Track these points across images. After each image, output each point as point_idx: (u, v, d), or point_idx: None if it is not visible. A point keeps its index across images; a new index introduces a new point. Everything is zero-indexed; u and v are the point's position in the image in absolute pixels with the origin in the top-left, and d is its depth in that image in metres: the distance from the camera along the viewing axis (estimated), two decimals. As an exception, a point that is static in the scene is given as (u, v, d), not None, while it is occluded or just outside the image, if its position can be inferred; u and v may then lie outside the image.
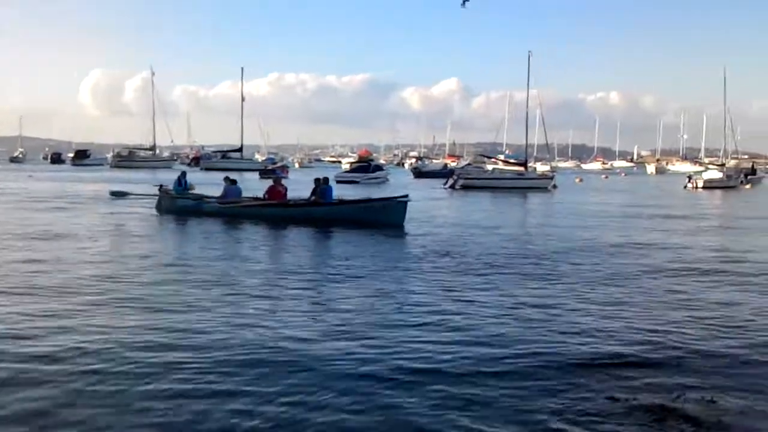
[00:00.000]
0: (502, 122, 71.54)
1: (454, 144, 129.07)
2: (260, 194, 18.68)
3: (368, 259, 11.38)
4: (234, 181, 19.25)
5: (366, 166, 51.78)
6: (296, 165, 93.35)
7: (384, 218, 16.30)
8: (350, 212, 17.22)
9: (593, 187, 48.02)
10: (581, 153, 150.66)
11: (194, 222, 17.06)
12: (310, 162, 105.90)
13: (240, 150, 76.93)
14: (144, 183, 41.27)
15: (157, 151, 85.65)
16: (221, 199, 18.57)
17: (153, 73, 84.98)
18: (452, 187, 40.39)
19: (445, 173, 54.01)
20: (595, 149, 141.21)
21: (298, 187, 24.02)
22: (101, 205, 22.30)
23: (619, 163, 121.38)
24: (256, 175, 51.98)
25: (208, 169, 69.29)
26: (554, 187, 41.97)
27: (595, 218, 21.10)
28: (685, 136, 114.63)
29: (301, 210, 17.66)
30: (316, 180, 18.28)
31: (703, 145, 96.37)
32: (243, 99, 78.01)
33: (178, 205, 18.92)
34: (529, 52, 46.91)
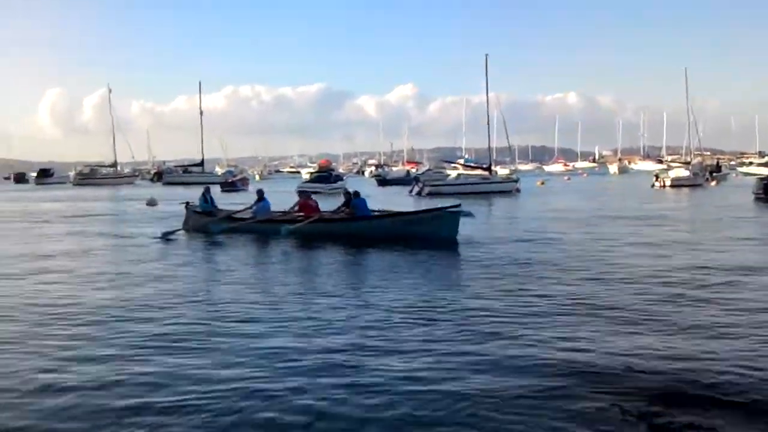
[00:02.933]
0: (460, 127, 70.87)
1: (412, 150, 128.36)
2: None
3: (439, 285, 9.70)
4: (262, 197, 17.92)
5: (327, 176, 51.13)
6: (257, 177, 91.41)
7: (434, 232, 14.64)
8: (397, 226, 15.63)
9: (556, 189, 47.29)
10: (542, 155, 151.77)
11: (226, 240, 15.92)
12: (270, 173, 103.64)
13: (201, 164, 76.46)
14: (106, 201, 41.06)
15: (119, 168, 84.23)
16: (254, 215, 17.38)
17: (110, 90, 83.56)
18: (419, 194, 39.61)
19: (408, 180, 53.03)
20: (556, 150, 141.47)
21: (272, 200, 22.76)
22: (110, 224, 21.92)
23: (581, 164, 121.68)
24: (217, 188, 50.69)
25: (170, 183, 69.26)
26: (518, 190, 41.43)
27: (573, 222, 19.83)
28: (645, 135, 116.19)
29: (343, 225, 16.02)
30: (347, 193, 17.20)
31: (664, 143, 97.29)
32: (201, 113, 77.24)
33: (208, 223, 17.55)
34: (486, 55, 47.19)
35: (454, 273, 11.14)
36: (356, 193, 16.84)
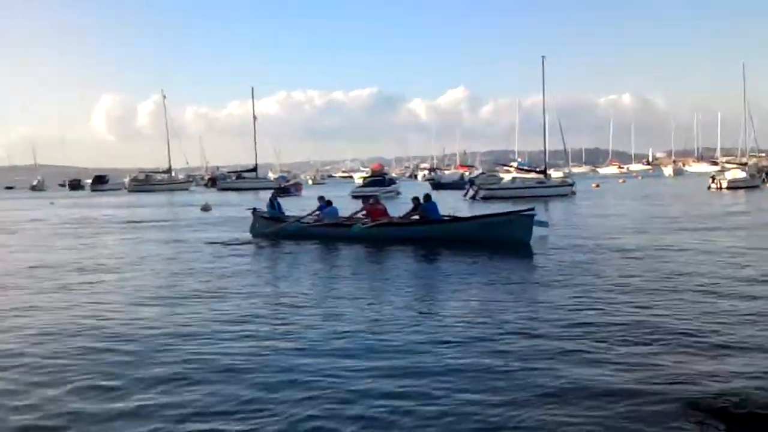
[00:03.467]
0: (513, 129, 71.14)
1: (464, 153, 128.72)
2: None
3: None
4: (329, 202, 18.14)
5: (381, 179, 51.61)
6: (309, 182, 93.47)
7: (507, 235, 14.59)
8: (469, 229, 15.54)
9: (612, 192, 47.29)
10: (596, 157, 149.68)
11: (296, 246, 15.77)
12: (323, 178, 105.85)
13: (254, 170, 77.31)
14: (162, 206, 42.52)
15: (173, 174, 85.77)
16: (323, 220, 17.48)
17: (164, 97, 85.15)
18: (473, 197, 39.94)
19: (461, 184, 53.66)
20: (610, 153, 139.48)
21: (310, 203, 23.47)
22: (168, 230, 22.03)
23: (635, 166, 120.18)
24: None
25: (224, 189, 70.22)
26: (573, 193, 41.50)
27: (633, 227, 20.31)
28: (699, 136, 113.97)
29: (415, 229, 15.93)
30: (415, 199, 16.77)
31: (719, 144, 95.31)
32: (255, 118, 78.29)
33: (275, 229, 17.68)
34: (543, 57, 46.49)
35: (521, 284, 10.29)
36: (427, 197, 16.69)
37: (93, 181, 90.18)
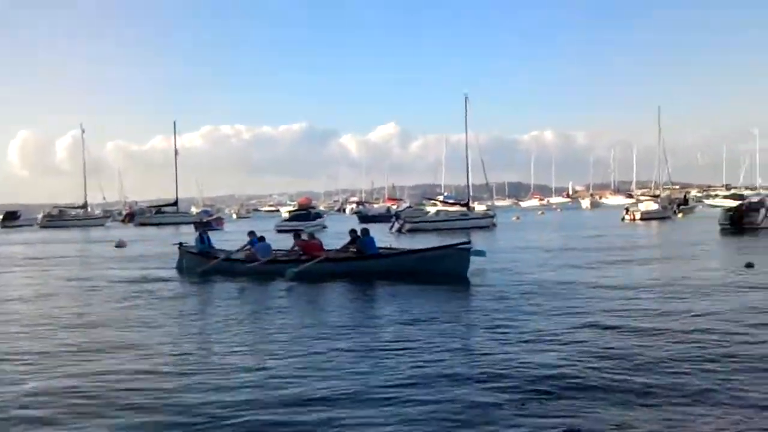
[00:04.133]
0: (440, 164, 72.58)
1: (393, 187, 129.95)
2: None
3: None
4: (262, 237, 17.41)
5: (306, 213, 51.35)
6: (234, 216, 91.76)
7: (445, 268, 14.52)
8: (407, 263, 15.36)
9: (531, 224, 48.72)
10: (519, 191, 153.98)
11: (225, 282, 15.25)
12: (248, 212, 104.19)
13: (175, 204, 75.47)
14: (74, 242, 40.93)
15: (90, 209, 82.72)
16: (255, 256, 16.66)
17: (83, 131, 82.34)
18: (399, 230, 40.26)
19: (388, 217, 53.93)
20: (532, 186, 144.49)
21: (233, 238, 22.71)
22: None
23: (555, 199, 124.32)
24: (191, 228, 50.93)
25: (142, 225, 68.33)
26: (494, 225, 42.73)
27: (550, 253, 20.94)
28: (616, 170, 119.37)
29: (352, 264, 15.59)
30: (353, 231, 16.67)
31: (634, 177, 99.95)
32: (176, 153, 76.43)
33: (206, 268, 16.84)
34: (465, 95, 48.41)
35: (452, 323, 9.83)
36: (365, 231, 16.42)
37: (4, 216, 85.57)
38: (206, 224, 53.31)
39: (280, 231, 44.20)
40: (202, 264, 17.18)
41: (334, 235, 36.51)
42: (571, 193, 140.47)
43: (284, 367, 7.13)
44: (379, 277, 14.39)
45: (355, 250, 16.13)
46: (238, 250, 17.76)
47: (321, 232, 44.27)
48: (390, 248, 16.92)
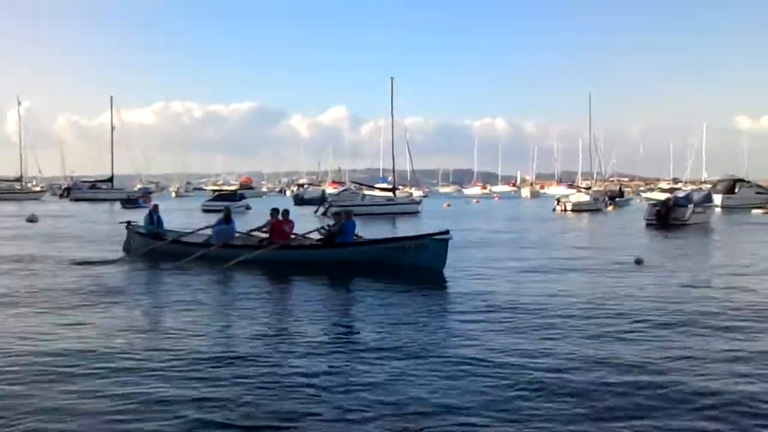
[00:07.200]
0: (381, 149, 71.85)
1: (339, 170, 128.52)
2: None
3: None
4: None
5: (232, 194, 50.21)
6: (173, 194, 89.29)
7: (418, 261, 13.02)
8: (375, 254, 13.70)
9: (461, 212, 48.24)
10: (467, 178, 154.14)
11: (173, 267, 13.78)
12: (187, 191, 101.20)
13: (110, 180, 75.37)
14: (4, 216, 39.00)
15: (31, 183, 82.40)
16: (213, 238, 15.40)
17: (19, 103, 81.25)
18: (324, 214, 39.44)
19: (324, 200, 52.94)
20: (475, 174, 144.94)
21: (169, 218, 21.69)
22: None
23: (499, 188, 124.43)
24: (118, 205, 51.11)
25: (77, 200, 67.93)
26: (418, 212, 42.59)
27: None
28: (560, 161, 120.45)
29: (315, 253, 14.29)
30: (337, 215, 15.19)
31: (579, 168, 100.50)
32: (113, 128, 76.33)
33: (153, 247, 15.65)
34: (392, 78, 47.08)
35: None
36: (348, 214, 14.83)
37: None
38: (132, 201, 52.07)
39: (206, 210, 43.40)
40: (150, 245, 15.90)
41: (256, 215, 35.92)
42: (518, 182, 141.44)
43: None
44: (338, 270, 13.01)
45: (334, 228, 14.54)
46: (193, 232, 16.71)
47: (244, 213, 43.43)
48: (361, 237, 14.99)
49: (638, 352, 7.04)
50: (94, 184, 75.87)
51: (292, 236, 15.08)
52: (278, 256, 14.03)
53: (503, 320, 8.68)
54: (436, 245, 13.17)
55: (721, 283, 12.25)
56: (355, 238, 14.60)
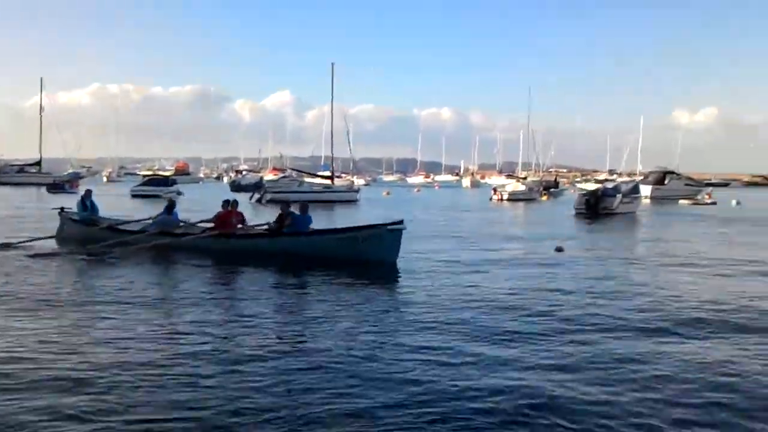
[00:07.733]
0: (322, 136, 71.10)
1: (281, 157, 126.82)
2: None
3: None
4: (171, 206, 15.37)
5: (163, 179, 49.01)
6: (104, 179, 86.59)
7: (369, 253, 12.35)
8: (323, 245, 13.06)
9: (401, 200, 48.64)
10: (412, 167, 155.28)
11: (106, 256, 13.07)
12: (119, 176, 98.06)
13: (39, 164, 72.80)
14: None
15: None
16: (152, 227, 14.91)
17: None
18: (259, 201, 39.09)
19: (260, 187, 52.15)
20: (418, 163, 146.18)
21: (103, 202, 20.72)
22: None
23: (442, 177, 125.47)
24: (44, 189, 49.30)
25: (3, 183, 65.12)
26: (357, 200, 42.48)
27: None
28: (502, 151, 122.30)
29: (260, 242, 13.71)
30: (285, 205, 14.30)
31: (520, 159, 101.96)
32: (42, 109, 74.11)
33: (89, 234, 15.02)
34: (332, 63, 46.39)
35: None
36: (304, 207, 14.07)
37: None
38: (59, 186, 50.10)
39: (135, 196, 42.12)
40: (84, 233, 15.40)
41: (188, 202, 35.08)
42: (461, 172, 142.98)
43: None
44: (284, 262, 12.34)
45: (284, 218, 13.72)
46: (132, 221, 16.34)
47: (175, 198, 42.03)
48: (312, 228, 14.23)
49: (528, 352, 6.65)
50: (22, 168, 72.92)
51: (239, 227, 14.47)
52: (220, 245, 13.64)
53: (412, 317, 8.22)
54: (389, 236, 12.62)
55: (630, 273, 12.59)
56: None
